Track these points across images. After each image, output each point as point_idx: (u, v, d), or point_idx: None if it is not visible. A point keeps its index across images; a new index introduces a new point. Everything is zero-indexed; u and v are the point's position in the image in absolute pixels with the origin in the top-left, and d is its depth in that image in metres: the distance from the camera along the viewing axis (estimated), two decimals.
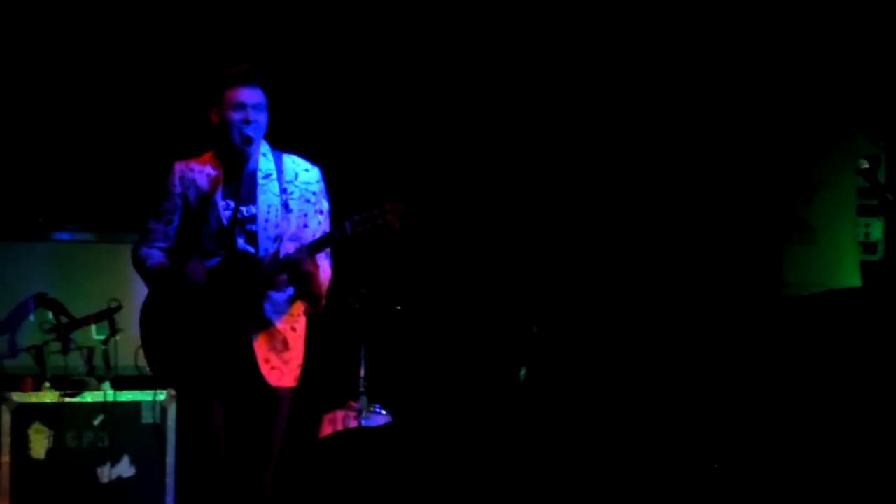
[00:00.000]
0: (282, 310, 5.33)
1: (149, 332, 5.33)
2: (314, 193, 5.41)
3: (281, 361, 5.30)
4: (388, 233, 5.14)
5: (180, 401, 5.39)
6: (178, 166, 5.37)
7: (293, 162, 5.43)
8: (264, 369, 5.26)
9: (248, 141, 5.26)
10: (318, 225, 5.40)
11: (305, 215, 5.38)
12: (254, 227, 5.30)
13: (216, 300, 5.22)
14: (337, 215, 5.41)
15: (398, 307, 7.36)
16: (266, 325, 5.30)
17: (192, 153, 5.43)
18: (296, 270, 5.20)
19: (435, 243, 7.91)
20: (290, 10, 7.81)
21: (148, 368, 5.45)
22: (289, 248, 5.31)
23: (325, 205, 5.43)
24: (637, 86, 7.76)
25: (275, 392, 5.29)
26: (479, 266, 8.01)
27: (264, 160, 5.38)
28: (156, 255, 5.39)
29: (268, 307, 5.30)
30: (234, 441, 5.28)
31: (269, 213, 5.31)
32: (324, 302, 5.36)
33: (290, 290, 5.33)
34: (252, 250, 5.28)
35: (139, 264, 5.42)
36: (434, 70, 8.00)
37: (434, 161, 7.89)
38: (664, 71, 7.67)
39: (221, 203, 5.27)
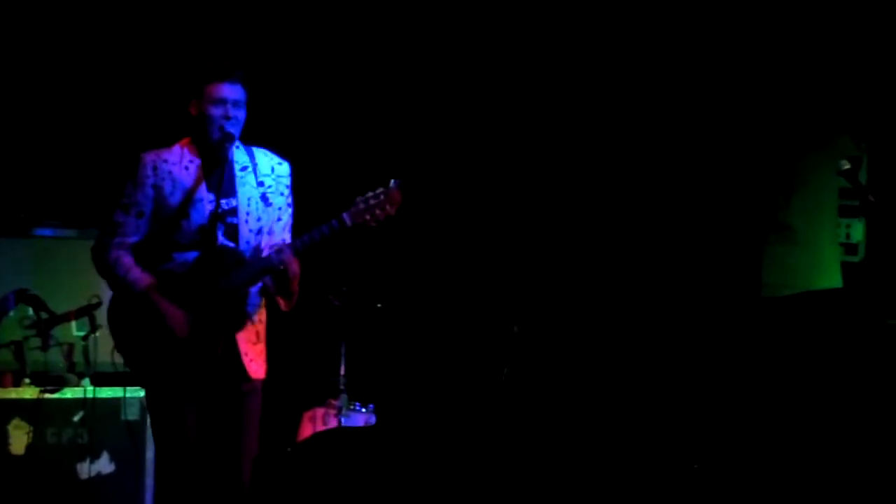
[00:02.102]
0: (255, 302, 5.36)
1: (123, 332, 5.31)
2: (287, 187, 5.45)
3: (256, 353, 5.34)
4: (385, 223, 5.17)
5: (153, 401, 5.33)
6: (149, 157, 5.31)
7: (265, 155, 5.45)
8: (245, 362, 5.28)
9: (230, 137, 5.26)
10: (289, 219, 5.45)
11: (280, 209, 5.41)
12: (234, 220, 5.29)
13: (199, 298, 5.21)
14: (320, 212, 5.43)
15: (379, 305, 7.36)
16: (244, 320, 5.31)
17: (165, 145, 5.40)
18: (283, 274, 5.22)
19: (416, 241, 7.91)
20: (268, 5, 7.81)
21: (113, 364, 5.45)
22: (266, 241, 5.32)
23: (291, 199, 5.47)
24: (617, 88, 7.76)
25: (253, 384, 5.32)
26: (460, 265, 8.01)
27: (238, 153, 5.38)
28: (125, 260, 5.31)
29: (247, 302, 5.32)
30: (215, 438, 5.28)
31: (249, 205, 5.32)
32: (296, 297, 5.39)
33: (259, 284, 5.35)
34: (232, 245, 5.27)
35: (105, 269, 5.31)
36: (413, 68, 8.00)
37: (415, 159, 7.89)
38: (645, 73, 7.68)
39: (204, 196, 5.26)
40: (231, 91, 5.25)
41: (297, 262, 5.24)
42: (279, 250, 5.21)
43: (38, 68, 7.58)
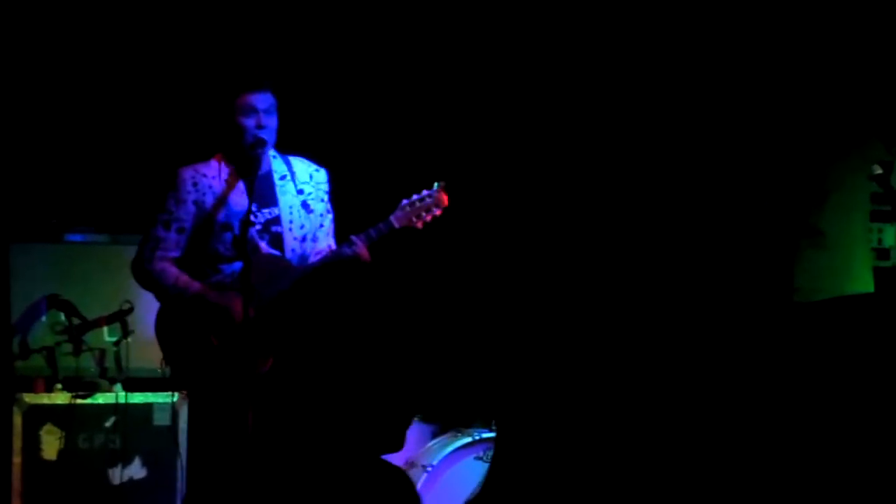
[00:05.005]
0: None
1: (172, 343, 5.32)
2: (326, 193, 5.48)
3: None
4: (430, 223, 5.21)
5: (200, 411, 5.37)
6: (187, 172, 5.37)
7: (303, 163, 5.48)
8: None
9: (263, 144, 5.30)
10: (331, 224, 5.48)
11: (321, 215, 5.44)
12: (278, 229, 5.33)
13: (252, 307, 5.21)
14: (342, 218, 5.46)
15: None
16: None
17: (203, 156, 5.44)
18: (358, 263, 5.24)
19: (434, 241, 7.89)
20: (295, 12, 7.80)
21: (161, 372, 5.48)
22: (310, 248, 5.36)
23: (330, 205, 5.51)
24: (646, 88, 7.74)
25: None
26: (479, 264, 7.99)
27: (276, 162, 5.42)
28: (171, 270, 5.34)
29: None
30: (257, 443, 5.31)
31: (291, 213, 5.35)
32: None
33: None
34: (278, 253, 5.30)
35: (151, 281, 5.36)
36: (435, 71, 7.98)
37: (435, 161, 7.86)
38: (675, 74, 7.66)
39: (243, 207, 5.28)
40: (261, 100, 5.30)
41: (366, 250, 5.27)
42: (351, 243, 5.23)
43: (70, 75, 7.59)
